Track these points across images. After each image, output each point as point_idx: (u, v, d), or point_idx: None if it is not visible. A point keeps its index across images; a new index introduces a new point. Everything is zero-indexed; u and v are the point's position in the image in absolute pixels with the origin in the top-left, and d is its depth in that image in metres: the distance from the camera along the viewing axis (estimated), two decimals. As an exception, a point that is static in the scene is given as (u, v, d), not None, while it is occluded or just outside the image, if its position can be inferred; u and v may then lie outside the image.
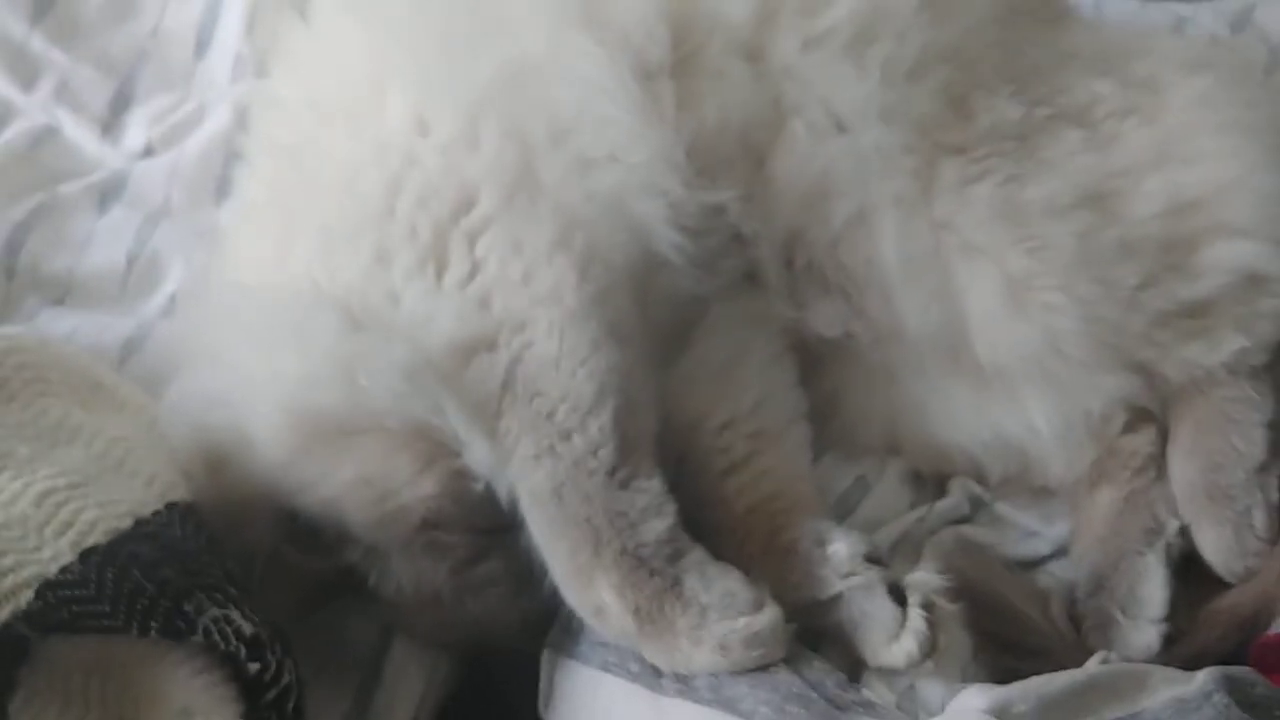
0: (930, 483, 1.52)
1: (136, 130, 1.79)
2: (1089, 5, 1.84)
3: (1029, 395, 1.43)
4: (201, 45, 1.84)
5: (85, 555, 1.07)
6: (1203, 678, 1.13)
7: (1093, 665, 1.22)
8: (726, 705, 1.15)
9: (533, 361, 1.23)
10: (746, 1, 1.36)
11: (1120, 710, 1.12)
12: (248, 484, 1.25)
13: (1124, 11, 1.85)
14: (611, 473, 1.21)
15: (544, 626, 1.28)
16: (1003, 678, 1.20)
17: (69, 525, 1.09)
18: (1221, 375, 1.42)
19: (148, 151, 1.77)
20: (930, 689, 1.23)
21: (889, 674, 1.25)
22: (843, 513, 1.46)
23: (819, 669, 1.20)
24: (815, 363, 1.48)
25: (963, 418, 1.47)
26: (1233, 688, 1.11)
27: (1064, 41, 1.47)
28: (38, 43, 1.80)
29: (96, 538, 1.09)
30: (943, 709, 1.19)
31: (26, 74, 1.80)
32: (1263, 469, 1.39)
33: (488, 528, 1.26)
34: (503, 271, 1.26)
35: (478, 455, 1.22)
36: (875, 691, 1.23)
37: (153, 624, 1.07)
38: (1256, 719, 1.09)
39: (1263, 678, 1.15)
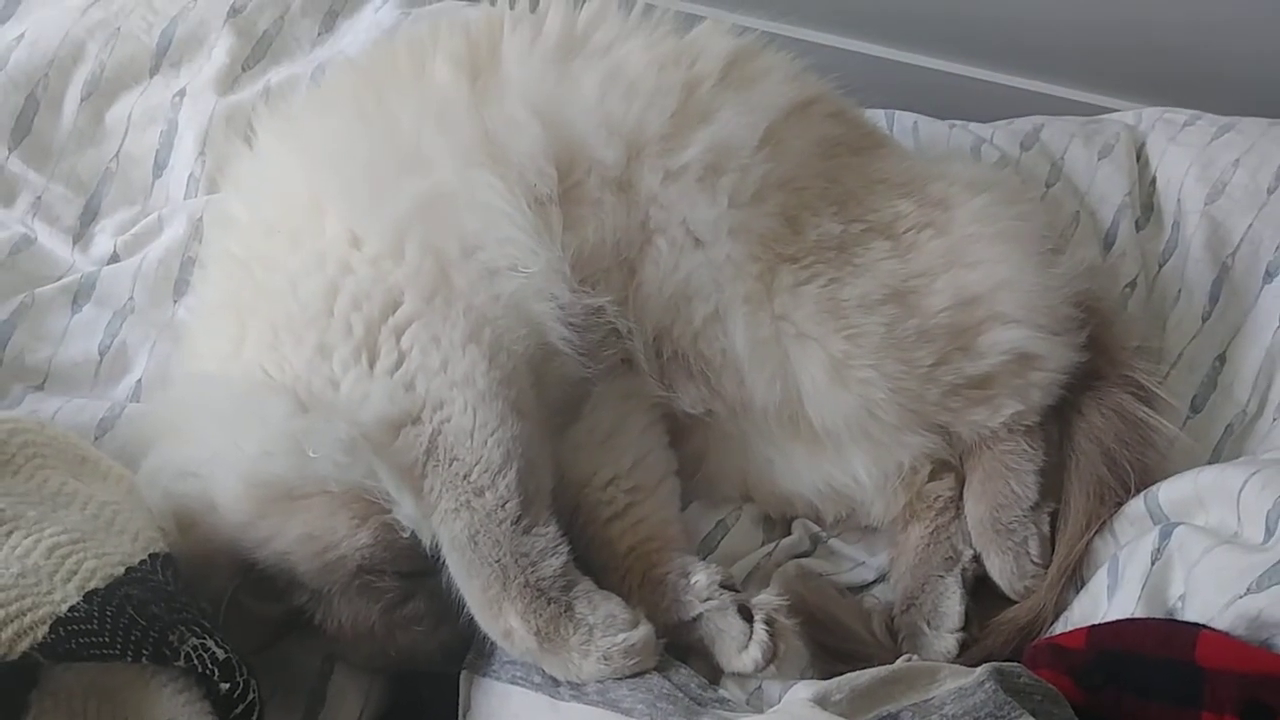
0: (777, 524, 1.69)
1: (104, 239, 1.91)
2: (908, 128, 2.07)
3: (853, 452, 1.62)
4: (159, 166, 1.97)
5: (89, 597, 1.20)
6: (979, 671, 1.30)
7: (898, 664, 1.39)
8: (611, 705, 1.32)
9: (451, 433, 1.38)
10: (617, 146, 1.54)
11: (915, 697, 1.29)
12: (212, 541, 1.38)
13: (935, 133, 2.05)
14: (516, 521, 1.36)
15: (461, 652, 1.43)
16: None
17: (74, 573, 1.22)
18: (1002, 433, 1.61)
19: (114, 257, 1.88)
20: (773, 688, 1.42)
21: (741, 678, 1.43)
22: (706, 550, 1.64)
23: (685, 674, 1.38)
24: (683, 429, 1.66)
25: (802, 471, 1.65)
26: (1001, 678, 1.28)
27: (875, 169, 1.67)
28: (15, 165, 1.94)
29: (97, 582, 1.22)
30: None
31: (6, 192, 1.93)
32: (1036, 507, 1.59)
33: (412, 572, 1.40)
34: (424, 360, 1.40)
35: (406, 510, 1.36)
36: (730, 692, 1.41)
37: (144, 652, 1.19)
38: (1019, 701, 1.26)
39: (1028, 670, 1.33)
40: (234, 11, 2.05)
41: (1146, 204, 1.95)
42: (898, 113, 2.11)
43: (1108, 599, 1.48)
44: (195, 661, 1.23)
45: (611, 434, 1.59)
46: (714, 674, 1.45)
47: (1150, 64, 2.23)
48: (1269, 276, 1.82)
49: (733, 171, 1.56)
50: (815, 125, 1.66)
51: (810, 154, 1.63)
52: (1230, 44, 2.17)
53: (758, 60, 1.68)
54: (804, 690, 1.32)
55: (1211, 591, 1.36)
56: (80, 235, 1.92)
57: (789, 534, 1.68)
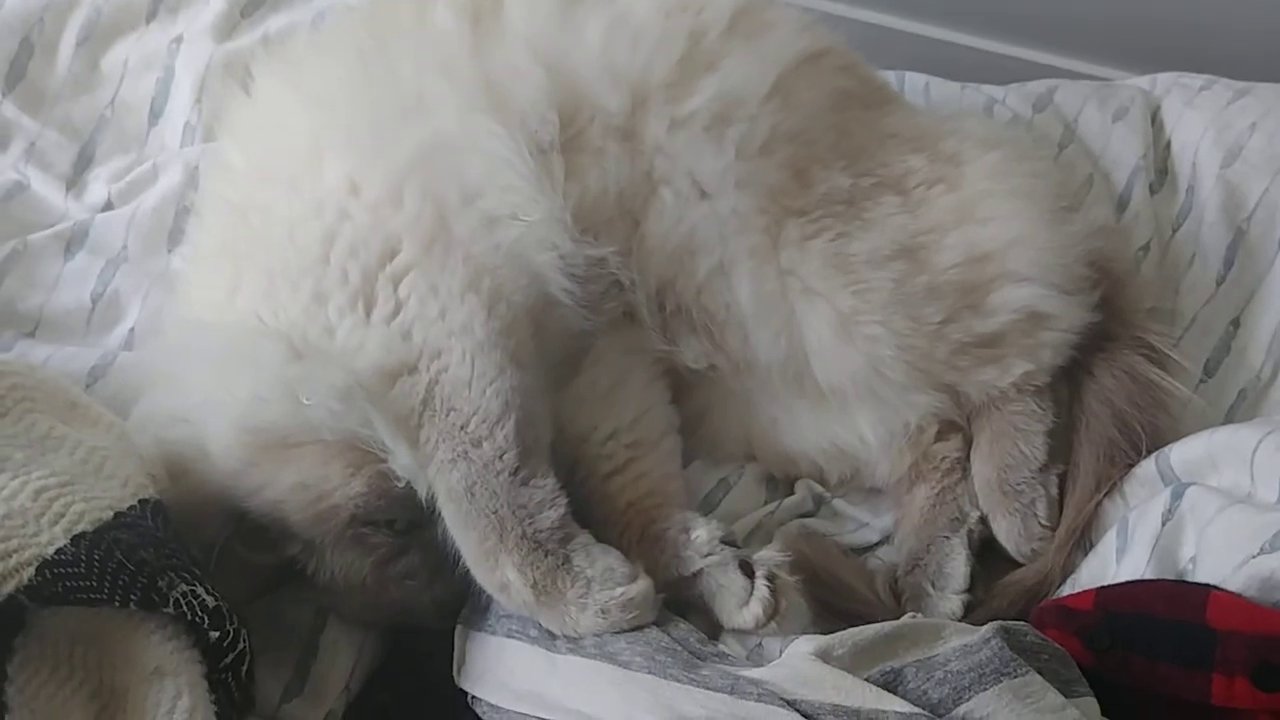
0: (781, 483, 1.68)
1: (97, 186, 1.89)
2: (920, 88, 2.05)
3: (858, 411, 1.61)
4: (155, 114, 1.96)
5: (76, 540, 1.18)
6: (985, 629, 1.30)
7: (903, 620, 1.39)
8: (609, 658, 1.31)
9: (448, 383, 1.37)
10: (621, 93, 1.52)
11: (919, 653, 1.29)
12: (204, 489, 1.37)
13: (947, 94, 2.01)
14: (514, 473, 1.36)
15: (456, 608, 1.43)
16: (836, 639, 1.35)
17: (61, 516, 1.20)
18: (1011, 394, 1.59)
19: (107, 205, 1.87)
20: (773, 645, 1.40)
21: (741, 634, 1.42)
22: (708, 508, 1.62)
23: (684, 629, 1.37)
24: (685, 385, 1.65)
25: (806, 430, 1.64)
26: (1007, 635, 1.28)
27: (886, 124, 1.66)
28: (9, 110, 1.92)
29: (84, 526, 1.20)
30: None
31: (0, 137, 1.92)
32: (1044, 469, 1.58)
33: (406, 527, 1.40)
34: (422, 309, 1.39)
35: (402, 461, 1.35)
36: (729, 648, 1.40)
37: (132, 597, 1.18)
38: (1025, 659, 1.27)
39: (1034, 629, 1.34)
40: (233, -43, 2.03)
41: (1161, 168, 1.93)
42: (908, 74, 2.08)
43: (1116, 561, 1.47)
44: (184, 608, 1.22)
45: (613, 388, 1.58)
46: (714, 631, 1.43)
47: (1164, 37, 2.23)
48: (1285, 241, 1.82)
49: (741, 121, 1.55)
50: (826, 78, 1.64)
51: (821, 107, 1.61)
52: (1246, 16, 2.18)
53: (767, 11, 1.67)
54: (805, 644, 1.32)
55: (1223, 552, 1.34)
56: (74, 182, 1.91)
57: (792, 494, 1.67)
